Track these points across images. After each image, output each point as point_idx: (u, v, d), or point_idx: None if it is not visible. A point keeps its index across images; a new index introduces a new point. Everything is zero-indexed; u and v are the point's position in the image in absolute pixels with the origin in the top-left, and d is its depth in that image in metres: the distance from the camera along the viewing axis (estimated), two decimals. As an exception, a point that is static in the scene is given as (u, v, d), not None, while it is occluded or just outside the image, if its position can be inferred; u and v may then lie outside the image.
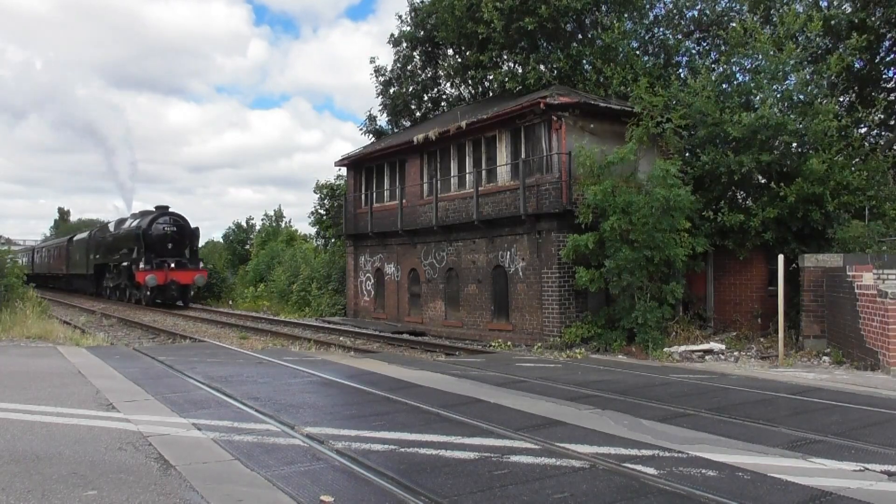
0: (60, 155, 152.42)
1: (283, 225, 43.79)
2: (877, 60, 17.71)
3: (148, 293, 28.87)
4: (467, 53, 22.59)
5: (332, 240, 30.25)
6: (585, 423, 6.65)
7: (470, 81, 24.43)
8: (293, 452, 5.60)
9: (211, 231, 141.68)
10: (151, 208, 33.59)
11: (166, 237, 30.34)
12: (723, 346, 13.80)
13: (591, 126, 15.95)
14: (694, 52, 19.44)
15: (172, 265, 29.38)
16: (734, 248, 15.20)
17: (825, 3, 17.27)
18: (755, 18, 16.86)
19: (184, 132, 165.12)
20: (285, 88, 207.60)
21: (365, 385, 8.80)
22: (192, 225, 32.26)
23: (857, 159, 15.49)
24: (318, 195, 31.21)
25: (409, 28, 25.91)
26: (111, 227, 34.84)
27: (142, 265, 28.72)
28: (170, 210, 32.01)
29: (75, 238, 42.56)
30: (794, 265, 14.12)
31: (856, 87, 17.89)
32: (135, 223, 31.64)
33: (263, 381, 9.26)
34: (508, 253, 16.66)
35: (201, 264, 31.44)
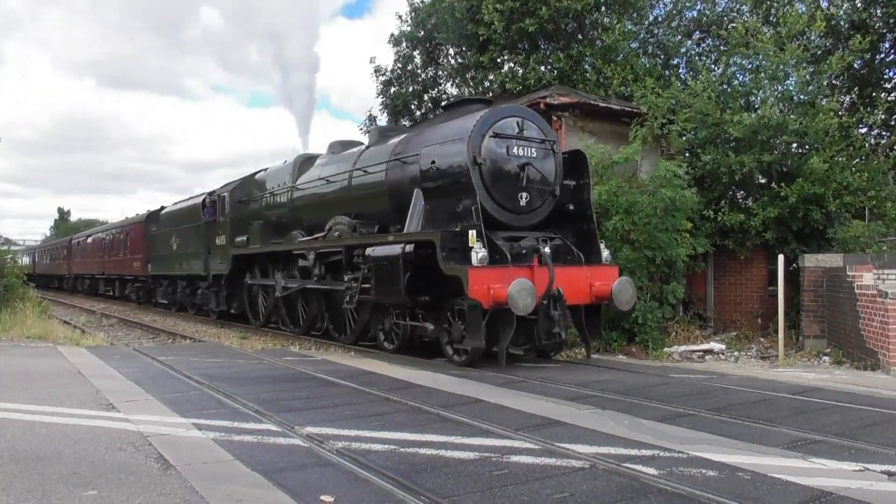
0: (58, 154, 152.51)
1: None
2: (877, 61, 17.71)
3: (508, 334, 10.15)
4: (468, 54, 22.59)
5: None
6: (585, 423, 6.64)
7: (470, 82, 24.45)
8: (293, 452, 5.60)
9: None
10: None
11: (519, 180, 11.07)
12: (723, 346, 13.80)
13: (591, 126, 15.95)
14: (694, 52, 19.46)
15: (546, 249, 10.65)
16: (734, 247, 15.21)
17: (825, 3, 17.27)
18: (756, 19, 16.87)
19: (181, 131, 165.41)
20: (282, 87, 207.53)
21: (365, 385, 8.80)
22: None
23: (857, 160, 15.50)
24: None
25: (409, 28, 25.92)
26: (284, 169, 17.01)
27: (477, 254, 10.02)
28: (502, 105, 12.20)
29: (166, 211, 25.01)
30: (794, 265, 14.12)
31: (856, 89, 17.90)
32: (398, 140, 13.13)
33: (263, 381, 9.26)
34: (508, 253, 16.40)
35: (605, 252, 11.62)
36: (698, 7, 19.57)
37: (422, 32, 25.33)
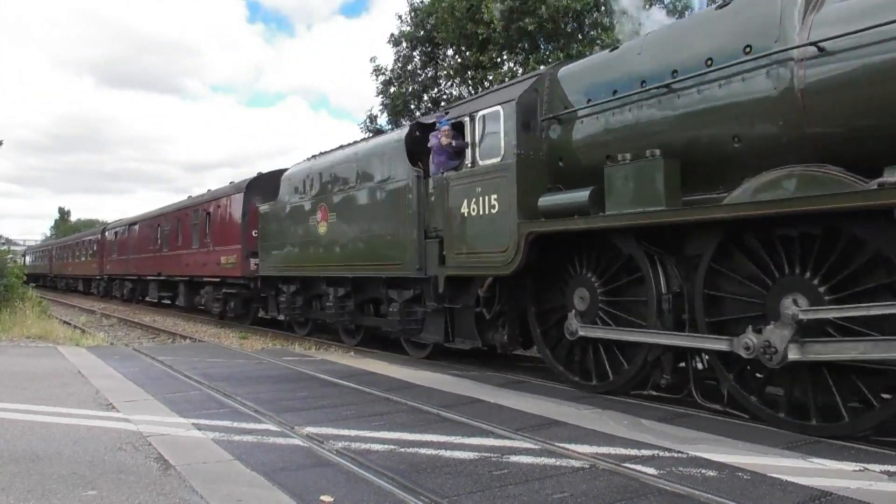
0: (58, 154, 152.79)
1: None
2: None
3: None
4: (467, 53, 22.61)
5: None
6: (585, 423, 6.64)
7: (470, 82, 24.46)
8: (293, 452, 5.60)
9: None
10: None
11: None
12: (723, 347, 13.71)
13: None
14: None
15: None
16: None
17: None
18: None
19: (181, 131, 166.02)
20: (280, 87, 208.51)
21: (364, 385, 8.80)
22: None
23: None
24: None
25: (408, 28, 25.93)
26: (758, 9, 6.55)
27: None
28: None
29: (299, 170, 15.20)
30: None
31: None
32: None
33: (263, 381, 9.26)
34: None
35: None
36: (698, 7, 19.61)
37: (421, 32, 25.34)
